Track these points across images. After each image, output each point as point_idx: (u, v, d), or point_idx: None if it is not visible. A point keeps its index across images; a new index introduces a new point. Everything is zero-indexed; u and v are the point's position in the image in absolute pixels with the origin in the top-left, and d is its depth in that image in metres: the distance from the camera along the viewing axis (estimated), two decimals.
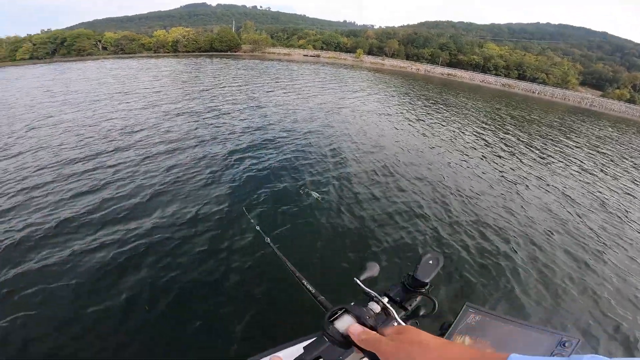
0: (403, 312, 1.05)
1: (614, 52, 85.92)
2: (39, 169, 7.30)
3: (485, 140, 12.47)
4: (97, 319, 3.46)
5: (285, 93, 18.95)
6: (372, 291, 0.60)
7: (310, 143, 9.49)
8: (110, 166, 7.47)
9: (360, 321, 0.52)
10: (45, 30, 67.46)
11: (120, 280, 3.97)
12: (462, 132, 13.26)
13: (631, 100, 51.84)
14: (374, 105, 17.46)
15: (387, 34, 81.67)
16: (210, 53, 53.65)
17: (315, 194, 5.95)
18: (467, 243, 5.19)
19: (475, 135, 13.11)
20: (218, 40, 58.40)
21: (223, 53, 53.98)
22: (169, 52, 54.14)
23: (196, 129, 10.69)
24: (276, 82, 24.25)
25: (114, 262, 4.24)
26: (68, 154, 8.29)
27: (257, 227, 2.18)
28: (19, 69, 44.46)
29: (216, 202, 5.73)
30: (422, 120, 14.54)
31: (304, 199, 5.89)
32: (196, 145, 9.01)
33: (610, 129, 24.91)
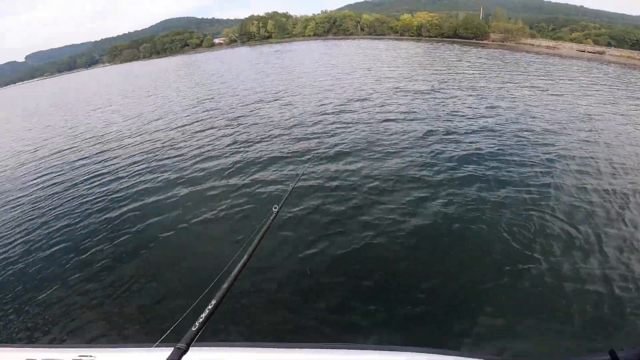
0: None
1: None
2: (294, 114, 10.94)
3: None
4: None
5: (531, 89, 14.98)
6: None
7: (546, 157, 6.81)
8: (332, 122, 9.72)
9: None
10: (324, 10, 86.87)
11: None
12: None
13: None
14: None
15: None
16: (453, 40, 51.66)
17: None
18: None
19: None
20: (462, 27, 55.06)
21: (467, 40, 50.57)
22: (412, 36, 56.97)
23: (416, 108, 10.91)
24: (524, 75, 19.71)
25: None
26: (311, 106, 11.74)
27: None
28: (303, 43, 60.90)
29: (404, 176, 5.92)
30: None
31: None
32: (411, 122, 9.27)
33: None
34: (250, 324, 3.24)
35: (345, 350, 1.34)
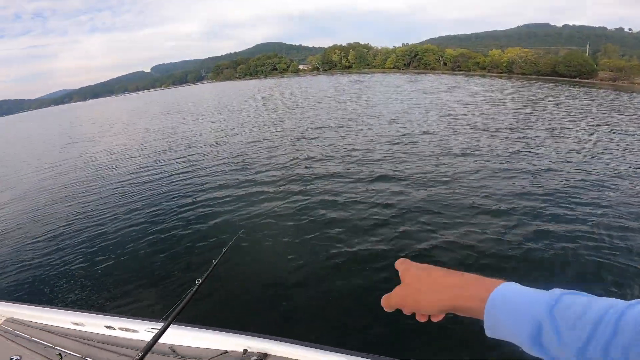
0: None
1: None
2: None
3: None
4: None
5: (632, 137, 12.41)
6: None
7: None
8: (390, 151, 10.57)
9: None
10: (405, 44, 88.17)
11: None
12: None
13: None
14: None
15: None
16: (551, 78, 47.29)
17: None
18: None
19: None
20: (563, 64, 49.98)
21: (568, 79, 45.75)
22: (501, 73, 53.95)
23: (480, 147, 10.71)
24: (627, 119, 16.47)
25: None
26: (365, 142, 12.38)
27: None
28: (383, 76, 62.42)
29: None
30: None
31: None
32: (469, 159, 9.24)
33: None
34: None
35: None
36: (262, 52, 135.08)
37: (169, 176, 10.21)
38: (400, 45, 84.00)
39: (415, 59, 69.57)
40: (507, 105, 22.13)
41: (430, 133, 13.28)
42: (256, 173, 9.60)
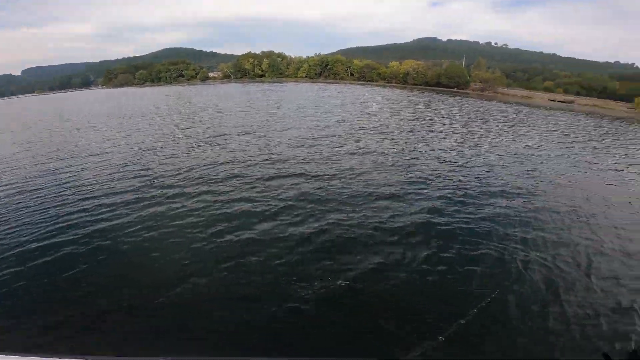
0: None
1: None
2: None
3: None
4: None
5: (513, 141, 16.84)
6: None
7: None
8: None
9: None
10: (317, 54, 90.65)
11: None
12: None
13: None
14: None
15: None
16: (436, 88, 54.35)
17: None
18: None
19: None
20: (445, 76, 58.05)
21: (448, 89, 53.29)
22: (399, 83, 59.83)
23: (392, 154, 12.69)
24: (500, 126, 21.29)
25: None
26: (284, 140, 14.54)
27: None
28: (293, 85, 62.96)
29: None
30: None
31: None
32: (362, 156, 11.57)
33: None
34: None
35: None
36: (168, 57, 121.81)
37: (56, 185, 9.60)
38: (314, 55, 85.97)
39: (326, 69, 72.08)
40: (398, 111, 25.79)
41: (330, 137, 14.98)
42: (155, 179, 9.47)
